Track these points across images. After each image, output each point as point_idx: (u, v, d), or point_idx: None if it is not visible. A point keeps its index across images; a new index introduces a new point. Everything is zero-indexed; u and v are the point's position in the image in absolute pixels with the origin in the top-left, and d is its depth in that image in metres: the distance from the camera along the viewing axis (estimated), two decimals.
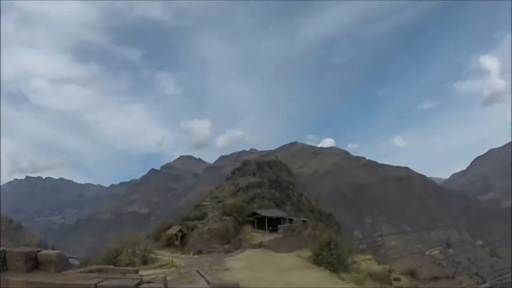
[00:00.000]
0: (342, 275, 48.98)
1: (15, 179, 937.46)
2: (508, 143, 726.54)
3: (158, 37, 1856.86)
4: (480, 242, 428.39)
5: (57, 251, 18.67)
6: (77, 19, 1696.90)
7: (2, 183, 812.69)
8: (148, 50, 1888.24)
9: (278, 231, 76.94)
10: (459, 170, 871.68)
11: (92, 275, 17.91)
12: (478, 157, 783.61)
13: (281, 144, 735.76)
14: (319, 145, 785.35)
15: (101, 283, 15.53)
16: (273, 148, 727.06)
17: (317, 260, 53.06)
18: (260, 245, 70.17)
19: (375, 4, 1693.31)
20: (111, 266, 29.37)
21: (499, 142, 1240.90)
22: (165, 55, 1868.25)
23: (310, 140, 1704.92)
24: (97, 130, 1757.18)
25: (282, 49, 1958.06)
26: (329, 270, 49.85)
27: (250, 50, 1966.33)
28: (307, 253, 61.43)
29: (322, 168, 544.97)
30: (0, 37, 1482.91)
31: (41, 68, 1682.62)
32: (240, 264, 52.20)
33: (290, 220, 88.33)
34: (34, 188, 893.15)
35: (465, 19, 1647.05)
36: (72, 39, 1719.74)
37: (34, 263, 16.98)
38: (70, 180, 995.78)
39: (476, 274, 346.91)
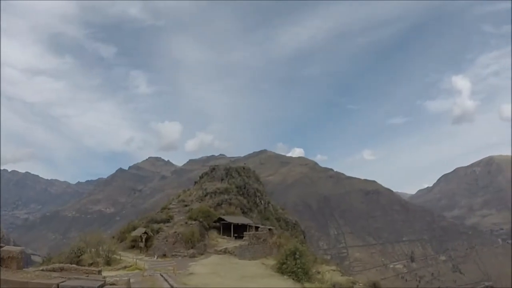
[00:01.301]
0: (306, 284, 49.07)
1: None
2: (475, 162, 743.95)
3: (134, 35, 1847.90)
4: (443, 257, 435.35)
5: (20, 247, 18.35)
6: (55, 10, 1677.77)
7: None
8: (123, 48, 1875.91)
9: (244, 238, 76.65)
10: (426, 186, 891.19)
11: (54, 274, 17.61)
12: (445, 174, 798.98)
13: (251, 151, 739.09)
14: (289, 154, 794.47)
15: (63, 283, 15.28)
16: (242, 155, 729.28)
17: (282, 269, 53.02)
18: (225, 251, 69.96)
19: (351, 20, 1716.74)
20: (74, 265, 28.98)
21: (466, 161, 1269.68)
22: (140, 54, 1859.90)
23: (280, 148, 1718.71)
24: (66, 124, 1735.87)
25: (257, 57, 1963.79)
26: (293, 279, 49.89)
27: (225, 56, 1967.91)
28: (271, 261, 61.51)
29: (290, 177, 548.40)
30: None
31: (13, 57, 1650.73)
32: (205, 269, 51.95)
33: (256, 228, 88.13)
34: None
35: (439, 39, 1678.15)
36: (47, 30, 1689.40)
37: None
38: (36, 175, 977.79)
39: None
